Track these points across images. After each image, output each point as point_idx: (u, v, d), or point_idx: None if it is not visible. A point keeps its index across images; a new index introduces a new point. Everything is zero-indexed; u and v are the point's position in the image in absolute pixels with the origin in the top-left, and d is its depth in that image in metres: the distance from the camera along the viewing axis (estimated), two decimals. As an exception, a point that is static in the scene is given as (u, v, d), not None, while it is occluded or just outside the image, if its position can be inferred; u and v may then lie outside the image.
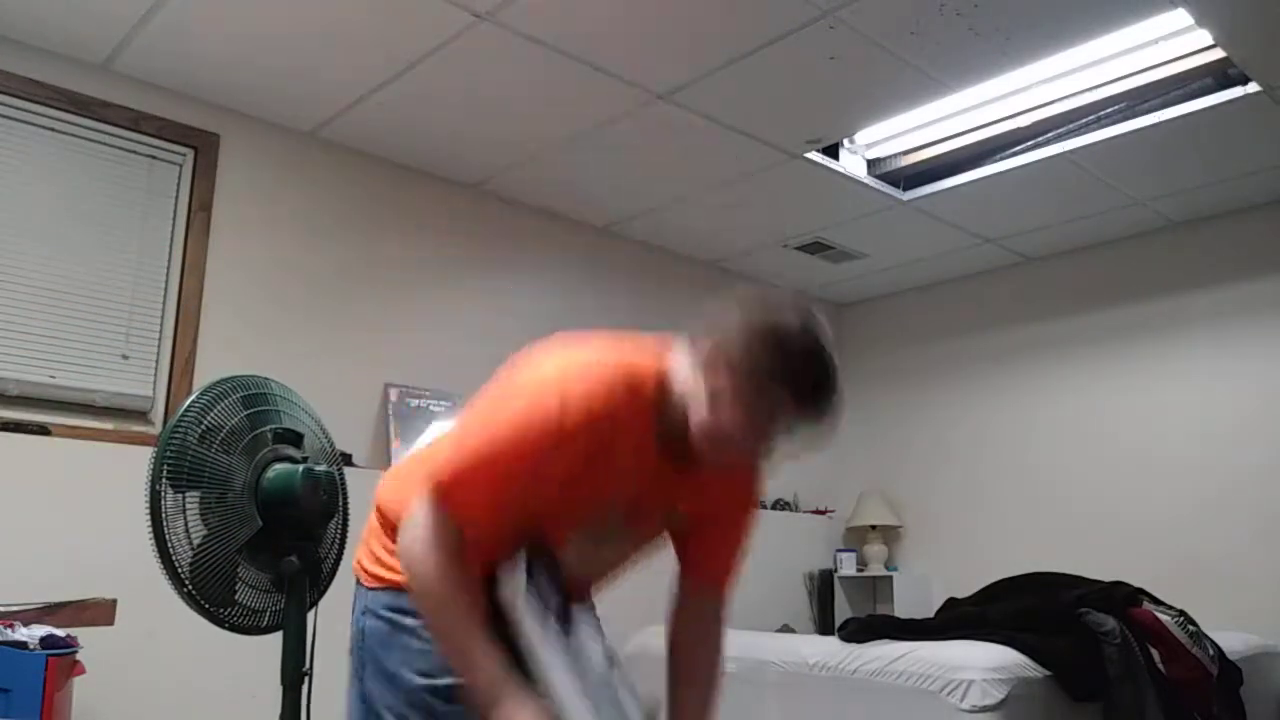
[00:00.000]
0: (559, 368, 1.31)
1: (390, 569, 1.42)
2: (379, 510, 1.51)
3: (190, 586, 1.66)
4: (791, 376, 1.25)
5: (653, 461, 1.36)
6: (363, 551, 1.51)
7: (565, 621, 1.32)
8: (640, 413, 1.33)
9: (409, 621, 1.37)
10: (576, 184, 4.03)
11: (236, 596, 1.72)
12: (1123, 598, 3.12)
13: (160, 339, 3.20)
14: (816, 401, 1.27)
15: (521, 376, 1.32)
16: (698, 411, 1.29)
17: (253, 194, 3.46)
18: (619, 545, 1.48)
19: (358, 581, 1.49)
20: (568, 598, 1.34)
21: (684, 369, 1.34)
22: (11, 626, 2.06)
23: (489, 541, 1.31)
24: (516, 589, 1.31)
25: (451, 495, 1.29)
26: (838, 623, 4.29)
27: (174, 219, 3.29)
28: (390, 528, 1.45)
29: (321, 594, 1.84)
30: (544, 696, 1.26)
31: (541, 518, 1.34)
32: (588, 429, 1.26)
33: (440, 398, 3.78)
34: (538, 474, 1.28)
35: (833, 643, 3.07)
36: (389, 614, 1.40)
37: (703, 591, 1.60)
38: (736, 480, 1.54)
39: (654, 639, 3.56)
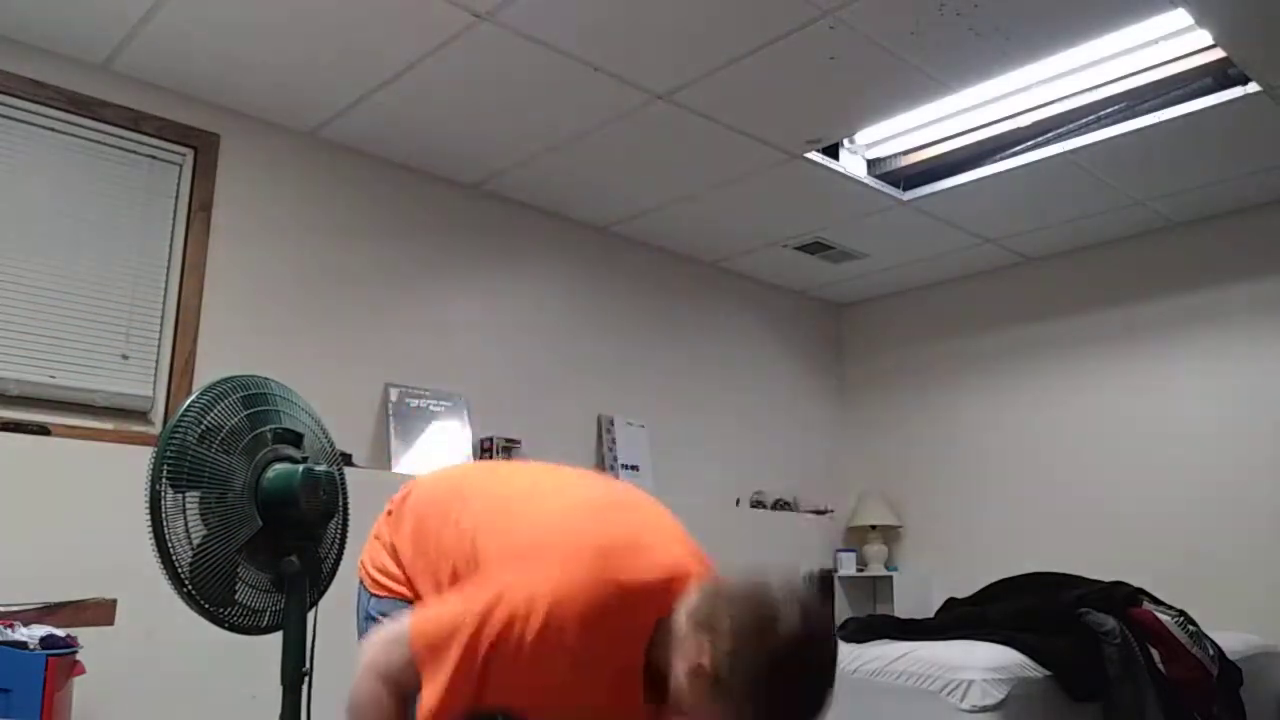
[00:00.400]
0: (563, 594, 1.21)
1: (395, 580, 1.46)
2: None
3: (190, 586, 1.66)
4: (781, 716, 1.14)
5: (634, 701, 1.26)
6: (368, 556, 1.53)
7: None
8: (631, 643, 1.24)
9: None
10: (576, 184, 4.03)
11: (236, 596, 1.72)
12: (1123, 598, 3.12)
13: (160, 339, 3.20)
14: None
15: (521, 585, 1.24)
16: (686, 693, 1.18)
17: (253, 194, 3.46)
18: None
19: (361, 583, 1.52)
20: None
21: (684, 616, 1.21)
22: (11, 626, 2.06)
23: None
24: None
25: (423, 659, 1.26)
26: (838, 623, 4.29)
27: (174, 219, 3.29)
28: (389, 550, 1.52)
29: (321, 594, 1.84)
30: None
31: None
32: (568, 669, 1.20)
33: (440, 398, 3.78)
34: (507, 687, 1.22)
35: (833, 643, 3.06)
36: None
37: None
38: None
39: None
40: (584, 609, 1.20)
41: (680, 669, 1.18)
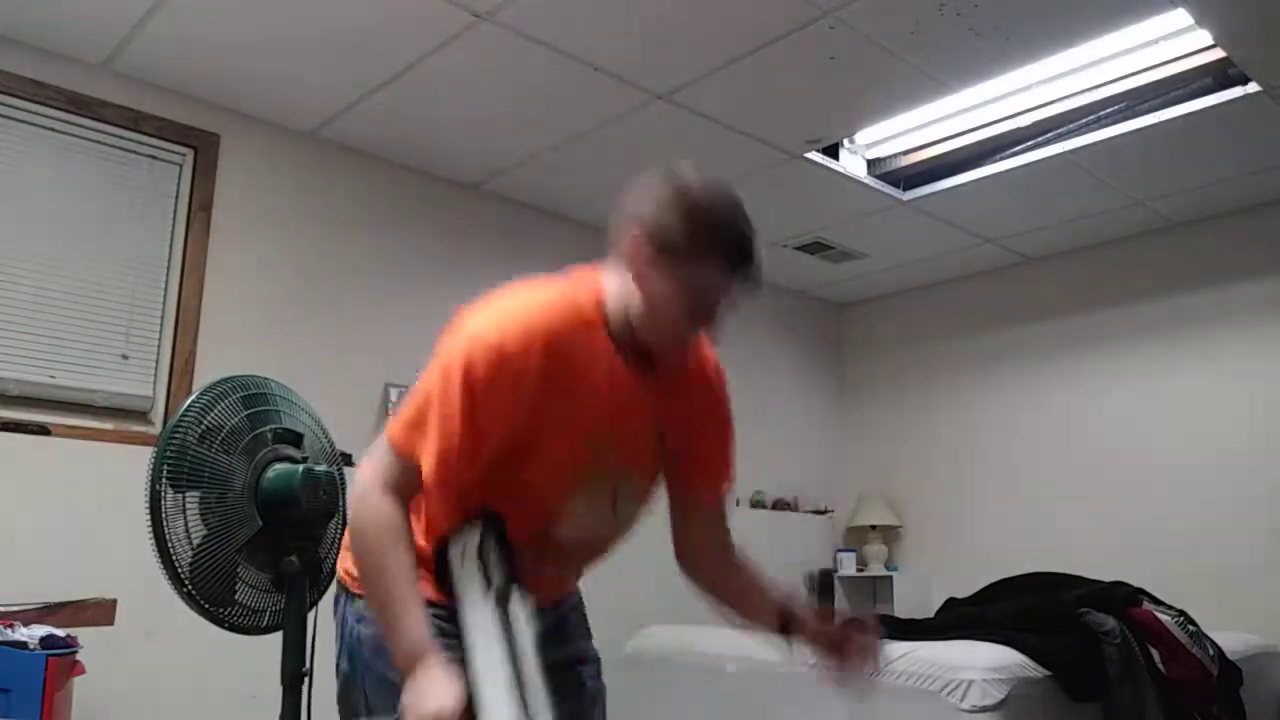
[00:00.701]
0: (494, 311, 1.32)
1: None
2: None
3: (190, 586, 1.66)
4: (722, 245, 1.30)
5: (625, 379, 1.36)
6: (348, 556, 1.48)
7: (504, 603, 1.31)
8: (592, 331, 1.34)
9: None
10: (576, 184, 4.03)
11: (236, 596, 1.72)
12: (1123, 598, 3.12)
13: (160, 339, 3.20)
14: (748, 261, 1.32)
15: (460, 330, 1.33)
16: (641, 310, 1.32)
17: (253, 194, 3.46)
18: (623, 496, 1.43)
19: (344, 588, 1.47)
20: (515, 581, 1.32)
21: (617, 279, 1.36)
22: (11, 626, 2.06)
23: (454, 496, 1.32)
24: (465, 553, 1.31)
25: (408, 441, 1.30)
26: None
27: (174, 219, 3.29)
28: None
29: (321, 594, 1.84)
30: (465, 669, 1.26)
31: (533, 485, 1.34)
32: (537, 354, 1.27)
33: (440, 398, 3.78)
34: (494, 409, 1.27)
35: (833, 643, 3.06)
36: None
37: (700, 511, 1.54)
38: (708, 396, 1.51)
39: (652, 639, 3.57)
40: (529, 305, 1.32)
41: (629, 282, 1.33)
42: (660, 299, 1.31)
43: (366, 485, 1.32)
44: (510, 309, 1.32)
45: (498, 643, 1.27)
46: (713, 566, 1.55)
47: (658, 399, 1.41)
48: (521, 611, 1.30)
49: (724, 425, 1.53)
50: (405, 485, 1.32)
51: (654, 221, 1.30)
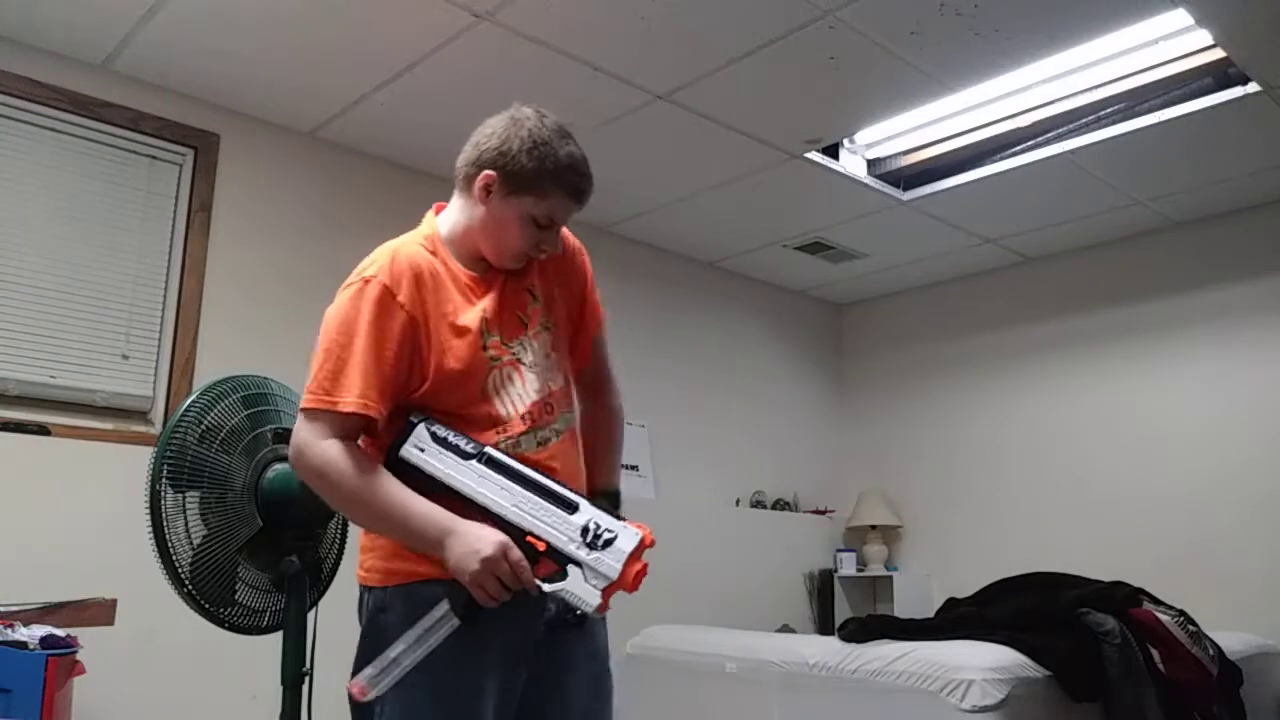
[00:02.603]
0: (359, 268, 1.49)
1: (416, 561, 1.41)
2: None
3: (190, 586, 1.66)
4: (564, 177, 1.47)
5: (476, 282, 1.51)
6: (377, 554, 1.48)
7: (483, 458, 1.37)
8: (433, 253, 1.51)
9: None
10: (576, 184, 4.02)
11: (236, 596, 1.72)
12: (1123, 598, 3.12)
13: (160, 339, 3.20)
14: (586, 186, 1.51)
15: (340, 293, 1.48)
16: (484, 234, 1.51)
17: (252, 194, 3.46)
18: (536, 365, 1.53)
19: (365, 587, 1.47)
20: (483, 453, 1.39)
21: (456, 207, 1.56)
22: (11, 626, 2.06)
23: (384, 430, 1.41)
24: (425, 446, 1.38)
25: (329, 394, 1.37)
26: (838, 623, 4.29)
27: (174, 219, 3.29)
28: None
29: (321, 594, 1.84)
30: (487, 517, 1.32)
31: (462, 395, 1.44)
32: (406, 278, 1.43)
33: (440, 398, 3.78)
34: (396, 331, 1.40)
35: (833, 643, 3.07)
36: (419, 609, 1.36)
37: (581, 376, 1.68)
38: (559, 262, 1.64)
39: (652, 639, 3.57)
40: (383, 250, 1.50)
41: (472, 209, 1.52)
42: (507, 227, 1.48)
43: (299, 445, 1.38)
44: (370, 260, 1.49)
45: (501, 480, 1.34)
46: (585, 399, 1.68)
47: (506, 280, 1.54)
48: (502, 456, 1.37)
49: (580, 277, 1.68)
50: (337, 434, 1.37)
51: (497, 160, 1.49)
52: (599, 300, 1.71)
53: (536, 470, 1.39)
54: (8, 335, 2.92)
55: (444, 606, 1.29)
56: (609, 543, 1.29)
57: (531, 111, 1.53)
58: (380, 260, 1.46)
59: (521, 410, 1.47)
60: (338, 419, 1.37)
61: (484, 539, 1.28)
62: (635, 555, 1.29)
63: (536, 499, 1.33)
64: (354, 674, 1.41)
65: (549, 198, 1.48)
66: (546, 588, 1.29)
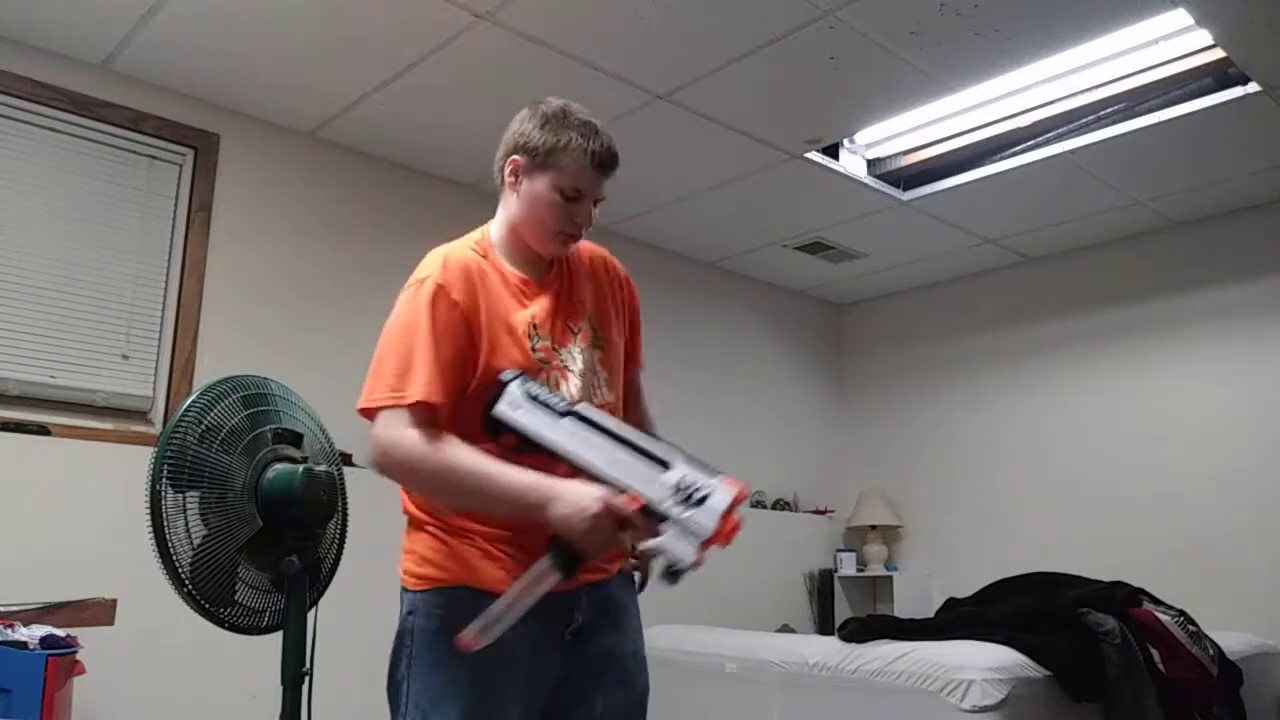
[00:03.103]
0: (417, 271, 1.52)
1: (443, 568, 1.46)
2: (411, 510, 1.54)
3: (190, 586, 1.66)
4: (579, 138, 1.52)
5: (528, 285, 1.56)
6: (411, 558, 1.52)
7: (573, 413, 1.38)
8: (484, 256, 1.54)
9: (459, 621, 1.37)
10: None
11: (236, 596, 1.72)
12: (1123, 598, 3.12)
13: (160, 339, 3.20)
14: (605, 149, 1.54)
15: (400, 297, 1.51)
16: (523, 220, 1.55)
17: (252, 194, 3.46)
18: (582, 376, 1.56)
19: (403, 588, 1.51)
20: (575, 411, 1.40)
21: (501, 211, 1.60)
22: (11, 626, 2.06)
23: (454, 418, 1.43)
24: (516, 404, 1.38)
25: (396, 391, 1.40)
26: (838, 623, 4.29)
27: (174, 219, 3.29)
28: (416, 523, 1.52)
29: (321, 594, 1.84)
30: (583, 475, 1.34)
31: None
32: (458, 279, 1.47)
33: (440, 398, 3.78)
34: (454, 329, 1.44)
35: (833, 643, 3.07)
36: (439, 613, 1.44)
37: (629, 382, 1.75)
38: (610, 285, 1.72)
39: (652, 639, 3.56)
40: (437, 254, 1.53)
41: (511, 204, 1.57)
42: (538, 204, 1.52)
43: (382, 445, 1.39)
44: (423, 265, 1.52)
45: (593, 437, 1.35)
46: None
47: (560, 290, 1.59)
48: (592, 412, 1.39)
49: (630, 314, 1.74)
50: (411, 426, 1.39)
51: (518, 141, 1.55)
52: (640, 344, 1.76)
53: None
54: (8, 335, 2.92)
55: (545, 561, 1.31)
56: (703, 500, 1.31)
57: (552, 99, 1.59)
58: (433, 264, 1.50)
59: (599, 400, 1.53)
60: (408, 412, 1.39)
61: (587, 496, 1.30)
62: (729, 511, 1.30)
63: (629, 456, 1.34)
64: (389, 672, 1.48)
65: (570, 168, 1.52)
66: (641, 545, 1.31)
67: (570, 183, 1.52)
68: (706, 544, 1.28)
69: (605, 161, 1.54)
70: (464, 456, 1.38)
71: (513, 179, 1.56)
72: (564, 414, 1.37)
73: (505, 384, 1.40)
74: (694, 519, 1.29)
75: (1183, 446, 4.14)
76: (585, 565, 1.34)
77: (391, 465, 1.40)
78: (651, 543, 1.29)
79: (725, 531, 1.29)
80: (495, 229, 1.60)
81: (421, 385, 1.39)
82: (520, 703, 1.42)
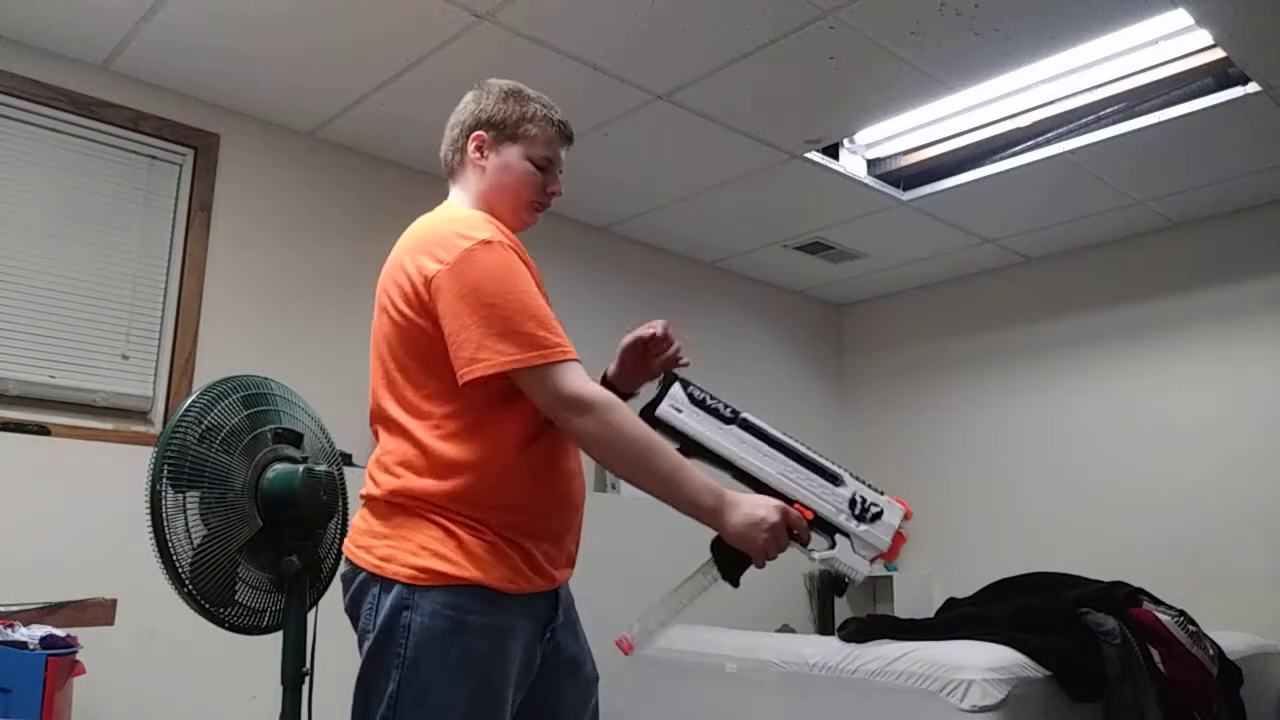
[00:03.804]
0: (459, 245, 1.41)
1: (453, 563, 1.35)
2: (408, 495, 1.40)
3: (190, 586, 1.66)
4: (540, 107, 1.58)
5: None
6: (403, 546, 1.38)
7: (739, 421, 1.40)
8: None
9: (472, 620, 1.34)
10: (577, 184, 4.02)
11: (236, 596, 1.72)
12: (1123, 598, 3.12)
13: (160, 339, 3.20)
14: (566, 124, 1.60)
15: (471, 252, 1.40)
16: (497, 194, 1.56)
17: (253, 194, 3.46)
18: None
19: (384, 577, 1.37)
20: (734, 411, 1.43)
21: (459, 197, 1.60)
22: (11, 626, 2.06)
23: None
24: (678, 403, 1.39)
25: (559, 347, 1.36)
26: (838, 623, 4.29)
27: (174, 219, 3.29)
28: (426, 514, 1.39)
29: (321, 594, 1.84)
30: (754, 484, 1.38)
31: None
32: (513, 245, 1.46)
33: (440, 398, 3.77)
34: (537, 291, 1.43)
35: (833, 643, 3.07)
36: (451, 613, 1.33)
37: None
38: None
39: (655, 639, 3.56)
40: (469, 215, 1.49)
41: (481, 182, 1.58)
42: (511, 173, 1.55)
43: (587, 398, 1.34)
44: (467, 227, 1.43)
45: (762, 446, 1.38)
46: None
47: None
48: (759, 421, 1.41)
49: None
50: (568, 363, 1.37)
51: (480, 117, 1.58)
52: None
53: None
54: (8, 335, 2.92)
55: (712, 570, 1.35)
56: (877, 516, 1.40)
57: (494, 79, 1.65)
58: (484, 226, 1.44)
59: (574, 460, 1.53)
60: (580, 366, 1.37)
61: (766, 506, 1.34)
62: (899, 529, 1.39)
63: (801, 468, 1.40)
64: (359, 678, 1.37)
65: (538, 137, 1.56)
66: (818, 556, 1.39)
67: (541, 151, 1.56)
68: (878, 558, 1.38)
69: (568, 133, 1.60)
70: (650, 430, 1.36)
71: (477, 155, 1.56)
72: (732, 420, 1.39)
73: (669, 383, 1.40)
74: (870, 533, 1.39)
75: (1183, 446, 4.14)
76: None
77: (604, 424, 1.33)
78: (828, 553, 1.38)
79: (897, 547, 1.39)
80: (463, 209, 1.54)
81: (548, 335, 1.37)
82: (513, 702, 1.41)
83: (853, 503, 1.39)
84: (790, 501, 1.35)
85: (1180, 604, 3.24)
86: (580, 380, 1.36)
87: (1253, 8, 2.76)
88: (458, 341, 1.36)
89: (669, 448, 1.35)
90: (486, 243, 1.40)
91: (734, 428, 1.38)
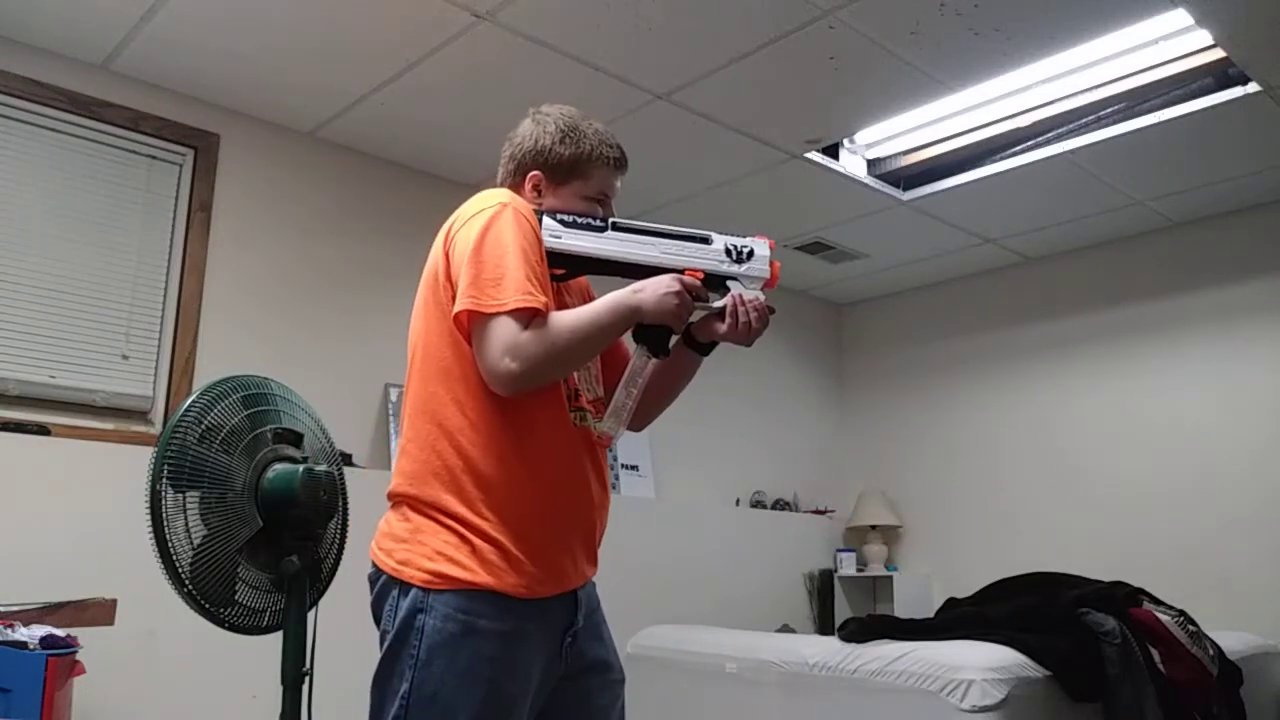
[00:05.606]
0: (478, 212, 1.49)
1: (465, 568, 1.38)
2: (421, 503, 1.45)
3: (190, 586, 1.65)
4: (598, 155, 1.60)
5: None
6: (417, 550, 1.43)
7: (615, 227, 1.53)
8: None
9: (483, 624, 1.37)
10: (576, 184, 4.02)
11: (236, 596, 1.71)
12: (1123, 598, 3.12)
13: (160, 339, 3.20)
14: (621, 156, 1.64)
15: (477, 210, 1.49)
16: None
17: (253, 194, 3.47)
18: (589, 369, 1.66)
19: (402, 581, 1.41)
20: None
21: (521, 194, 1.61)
22: (11, 626, 2.06)
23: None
24: (554, 231, 1.52)
25: (498, 296, 1.39)
26: (838, 623, 4.29)
27: (174, 219, 3.29)
28: (446, 521, 1.42)
29: (321, 594, 1.84)
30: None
31: None
32: (528, 220, 1.49)
33: (440, 398, 3.77)
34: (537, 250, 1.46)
35: (833, 643, 3.07)
36: (463, 617, 1.36)
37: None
38: None
39: (652, 639, 3.57)
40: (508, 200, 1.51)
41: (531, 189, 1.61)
42: (565, 208, 1.55)
43: (512, 345, 1.37)
44: (486, 196, 1.52)
45: (638, 238, 1.52)
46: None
47: (560, 289, 1.63)
48: (625, 220, 1.55)
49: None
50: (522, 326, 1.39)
51: (538, 159, 1.59)
52: None
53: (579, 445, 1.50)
54: (8, 335, 2.92)
55: (643, 351, 1.49)
56: (750, 254, 1.56)
57: (549, 107, 1.65)
58: (500, 196, 1.50)
59: (590, 396, 1.58)
60: (512, 317, 1.40)
61: (664, 281, 1.46)
62: (770, 258, 1.56)
63: (676, 242, 1.54)
64: (375, 677, 1.41)
65: (593, 175, 1.60)
66: (717, 304, 1.52)
67: (597, 189, 1.60)
68: (765, 285, 1.54)
69: (624, 163, 1.64)
70: (564, 317, 1.42)
71: (534, 194, 1.59)
72: (604, 227, 1.51)
73: (537, 217, 1.50)
74: (752, 269, 1.55)
75: (1183, 446, 4.14)
76: (673, 343, 1.51)
77: (534, 356, 1.38)
78: (724, 299, 1.51)
79: (774, 273, 1.56)
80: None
81: (525, 284, 1.41)
82: (528, 707, 1.41)
83: (728, 251, 1.55)
84: (681, 271, 1.50)
85: (1180, 604, 3.24)
86: (491, 346, 1.40)
87: (1253, 8, 2.76)
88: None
89: (565, 317, 1.42)
90: (502, 206, 1.47)
91: (610, 232, 1.52)
